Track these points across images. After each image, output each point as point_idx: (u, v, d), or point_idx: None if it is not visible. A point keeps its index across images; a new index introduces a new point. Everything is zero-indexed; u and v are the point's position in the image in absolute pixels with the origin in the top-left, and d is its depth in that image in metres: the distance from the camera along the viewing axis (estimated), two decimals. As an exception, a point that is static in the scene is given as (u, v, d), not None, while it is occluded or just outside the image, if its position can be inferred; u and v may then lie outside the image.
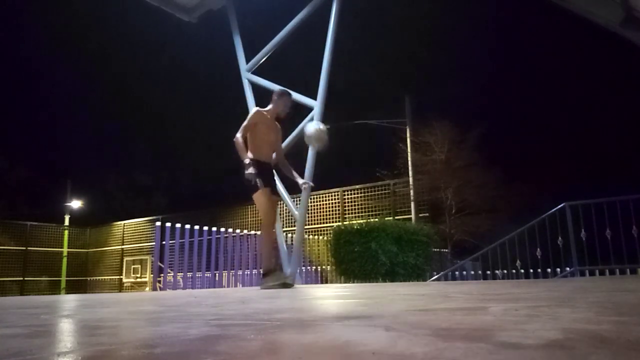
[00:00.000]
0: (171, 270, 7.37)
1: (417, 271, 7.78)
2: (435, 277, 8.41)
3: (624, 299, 1.82)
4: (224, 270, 8.01)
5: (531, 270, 6.97)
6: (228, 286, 8.08)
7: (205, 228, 7.48)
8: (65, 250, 18.45)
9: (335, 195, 12.77)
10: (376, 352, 0.71)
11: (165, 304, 2.31)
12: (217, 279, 8.07)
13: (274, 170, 4.97)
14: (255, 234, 8.48)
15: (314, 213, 12.86)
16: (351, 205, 12.45)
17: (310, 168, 6.88)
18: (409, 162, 12.38)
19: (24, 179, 25.79)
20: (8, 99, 29.14)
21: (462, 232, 11.31)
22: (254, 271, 8.22)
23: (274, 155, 4.81)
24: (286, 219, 11.60)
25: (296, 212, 7.35)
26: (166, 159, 31.49)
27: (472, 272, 8.99)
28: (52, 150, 31.51)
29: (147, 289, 14.83)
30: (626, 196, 6.12)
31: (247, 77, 8.05)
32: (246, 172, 4.23)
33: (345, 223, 9.26)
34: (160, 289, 9.61)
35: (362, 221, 8.08)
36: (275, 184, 4.84)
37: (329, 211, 12.77)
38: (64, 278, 18.20)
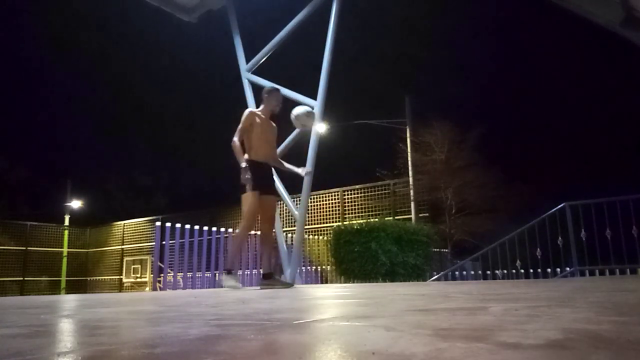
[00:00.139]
0: (171, 270, 7.37)
1: (417, 271, 7.78)
2: (435, 277, 8.41)
3: (624, 299, 1.82)
4: (224, 270, 8.00)
5: (531, 270, 6.97)
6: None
7: (205, 228, 7.48)
8: (65, 250, 18.44)
9: (335, 195, 12.77)
10: (376, 352, 0.71)
11: (165, 304, 2.31)
12: (217, 279, 8.06)
13: (273, 169, 4.98)
14: (256, 233, 8.48)
15: (314, 213, 12.86)
16: (351, 205, 12.45)
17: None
18: (409, 162, 12.38)
19: (24, 179, 25.82)
20: (8, 99, 29.17)
21: (462, 232, 11.31)
22: (254, 271, 8.22)
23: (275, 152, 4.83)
24: (286, 219, 11.60)
25: (296, 212, 7.35)
26: (166, 159, 31.52)
27: (472, 272, 8.99)
28: (52, 150, 31.55)
29: (147, 289, 14.83)
30: (626, 196, 6.12)
31: (247, 77, 8.05)
32: (244, 176, 4.28)
33: (345, 223, 9.27)
34: (160, 289, 9.61)
35: (362, 221, 8.08)
36: (272, 183, 4.84)
37: (329, 211, 12.77)
38: (64, 278, 18.19)
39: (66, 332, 1.22)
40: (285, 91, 7.49)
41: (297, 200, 8.16)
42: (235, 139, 4.43)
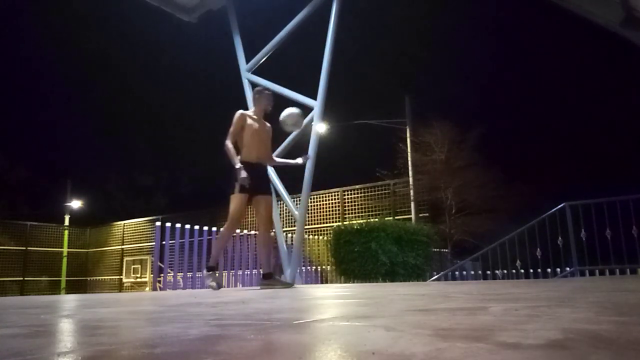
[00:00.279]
0: (171, 270, 7.37)
1: (417, 271, 7.78)
2: (435, 277, 8.41)
3: (624, 299, 1.82)
4: (224, 270, 8.01)
5: (531, 270, 6.97)
6: (228, 286, 8.08)
7: (205, 228, 7.48)
8: (65, 250, 18.44)
9: (335, 195, 12.77)
10: (376, 352, 0.71)
11: (165, 304, 2.31)
12: (218, 277, 8.06)
13: (268, 169, 4.97)
14: (255, 233, 8.48)
15: (314, 213, 12.86)
16: (351, 205, 12.44)
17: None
18: (409, 162, 12.38)
19: (24, 179, 25.80)
20: (8, 99, 29.16)
21: (462, 232, 11.32)
22: (254, 271, 8.22)
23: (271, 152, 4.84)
24: (286, 219, 11.59)
25: (296, 212, 7.35)
26: (166, 159, 31.51)
27: (472, 272, 8.99)
28: (52, 150, 31.55)
29: (147, 289, 14.82)
30: (626, 196, 6.12)
31: (247, 77, 8.05)
32: (239, 177, 4.31)
33: (345, 223, 9.26)
34: (160, 289, 9.61)
35: (362, 221, 8.08)
36: (266, 184, 4.82)
37: (329, 211, 12.77)
38: (64, 278, 18.19)
39: (66, 332, 1.22)
40: (285, 91, 7.50)
41: (297, 200, 8.16)
42: (227, 141, 4.48)
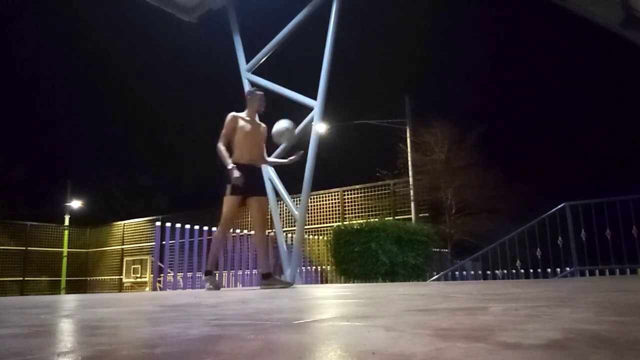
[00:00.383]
0: (171, 270, 7.37)
1: (417, 271, 7.78)
2: (435, 277, 8.41)
3: (624, 299, 1.82)
4: (224, 270, 8.01)
5: (531, 270, 6.97)
6: (228, 286, 8.08)
7: (205, 228, 7.48)
8: (65, 250, 18.44)
9: (335, 195, 12.77)
10: (376, 352, 0.71)
11: (165, 304, 2.31)
12: (217, 279, 8.06)
13: (263, 170, 4.97)
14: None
15: (314, 213, 12.86)
16: (351, 205, 12.44)
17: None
18: (409, 162, 12.38)
19: (24, 179, 25.81)
20: (8, 99, 29.17)
21: (462, 232, 11.32)
22: (254, 271, 8.22)
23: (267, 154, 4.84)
24: (286, 219, 11.59)
25: (296, 212, 7.34)
26: (166, 159, 31.52)
27: (472, 272, 8.99)
28: (52, 150, 31.56)
29: (147, 289, 14.82)
30: (626, 196, 6.12)
31: (247, 77, 8.04)
32: (233, 176, 4.32)
33: (345, 223, 9.26)
34: (160, 289, 9.61)
35: (362, 221, 8.08)
36: (258, 185, 4.81)
37: (329, 211, 12.76)
38: (64, 278, 18.19)
39: (66, 332, 1.22)
40: (285, 91, 7.50)
41: (297, 200, 8.15)
42: (219, 144, 4.50)
